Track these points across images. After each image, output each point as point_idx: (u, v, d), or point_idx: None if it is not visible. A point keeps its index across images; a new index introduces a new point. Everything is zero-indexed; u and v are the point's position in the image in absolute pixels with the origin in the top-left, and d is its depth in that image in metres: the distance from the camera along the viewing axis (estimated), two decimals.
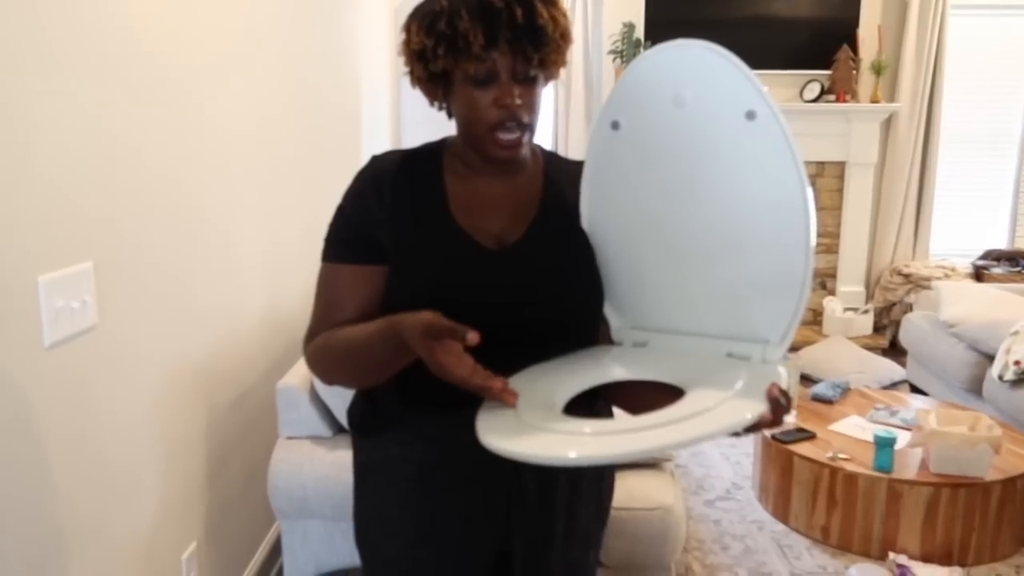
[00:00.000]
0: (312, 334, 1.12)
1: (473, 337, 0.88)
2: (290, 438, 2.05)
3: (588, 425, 0.88)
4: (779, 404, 0.89)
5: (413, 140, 4.75)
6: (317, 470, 1.97)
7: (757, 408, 0.87)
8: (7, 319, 1.19)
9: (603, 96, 4.93)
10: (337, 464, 1.96)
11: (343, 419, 2.00)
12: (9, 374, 1.20)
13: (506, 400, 0.92)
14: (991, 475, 2.50)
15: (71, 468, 1.37)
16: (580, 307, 1.11)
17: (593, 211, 1.11)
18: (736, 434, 0.89)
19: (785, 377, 0.93)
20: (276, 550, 2.35)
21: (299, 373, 2.09)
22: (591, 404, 1.13)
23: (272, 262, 2.39)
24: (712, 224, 1.00)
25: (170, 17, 1.67)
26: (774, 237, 0.95)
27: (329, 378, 1.12)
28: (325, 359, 1.10)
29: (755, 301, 0.99)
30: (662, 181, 1.02)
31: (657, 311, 1.08)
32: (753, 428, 0.89)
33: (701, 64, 0.95)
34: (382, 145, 4.17)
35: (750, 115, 0.92)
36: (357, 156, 3.60)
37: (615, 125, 1.05)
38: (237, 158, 2.08)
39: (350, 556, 2.02)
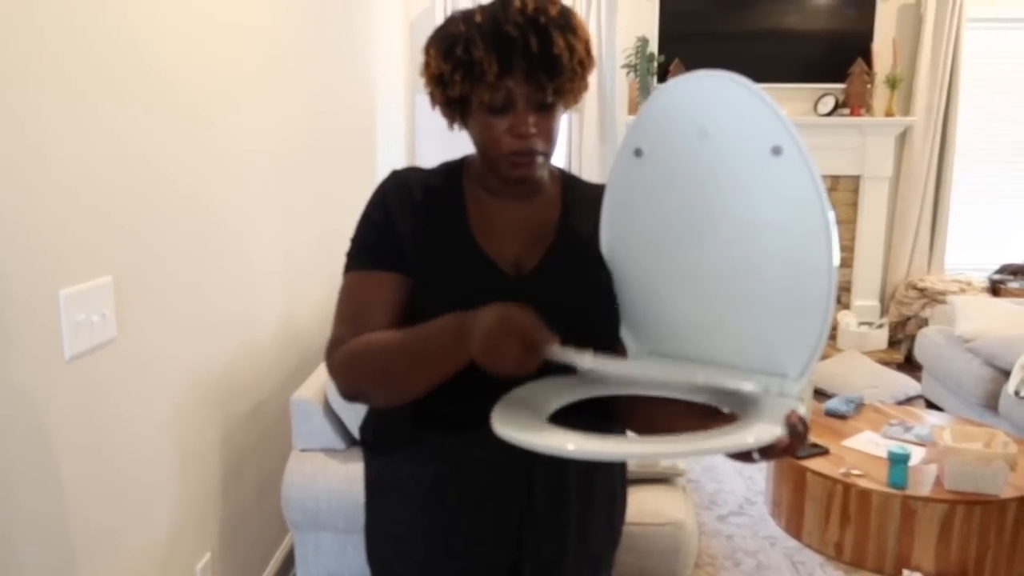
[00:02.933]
0: (339, 342, 1.07)
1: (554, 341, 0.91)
2: (304, 450, 2.07)
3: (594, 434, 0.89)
4: (797, 431, 0.88)
5: (428, 153, 4.78)
6: (330, 482, 1.98)
7: (772, 431, 0.86)
8: (29, 333, 1.21)
9: (617, 110, 4.95)
10: (350, 477, 1.97)
11: (356, 432, 2.01)
12: (31, 386, 1.22)
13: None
14: (1006, 492, 2.48)
15: (89, 479, 1.39)
16: (595, 334, 1.11)
17: (612, 236, 1.12)
18: (751, 459, 0.89)
19: (802, 411, 0.92)
20: (289, 561, 2.36)
21: (314, 386, 2.11)
22: (606, 428, 1.13)
23: (288, 275, 2.41)
24: (732, 256, 0.99)
25: (188, 32, 1.70)
26: (795, 272, 0.94)
27: (361, 382, 1.05)
28: (362, 360, 1.03)
29: (773, 334, 0.98)
30: (683, 210, 1.02)
31: (674, 338, 1.08)
32: (767, 453, 0.88)
33: (727, 96, 0.94)
34: (397, 157, 4.20)
35: (776, 150, 0.91)
36: (372, 168, 3.63)
37: (638, 152, 1.05)
38: (254, 172, 2.11)
39: (362, 568, 2.03)
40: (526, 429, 0.88)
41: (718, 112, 0.95)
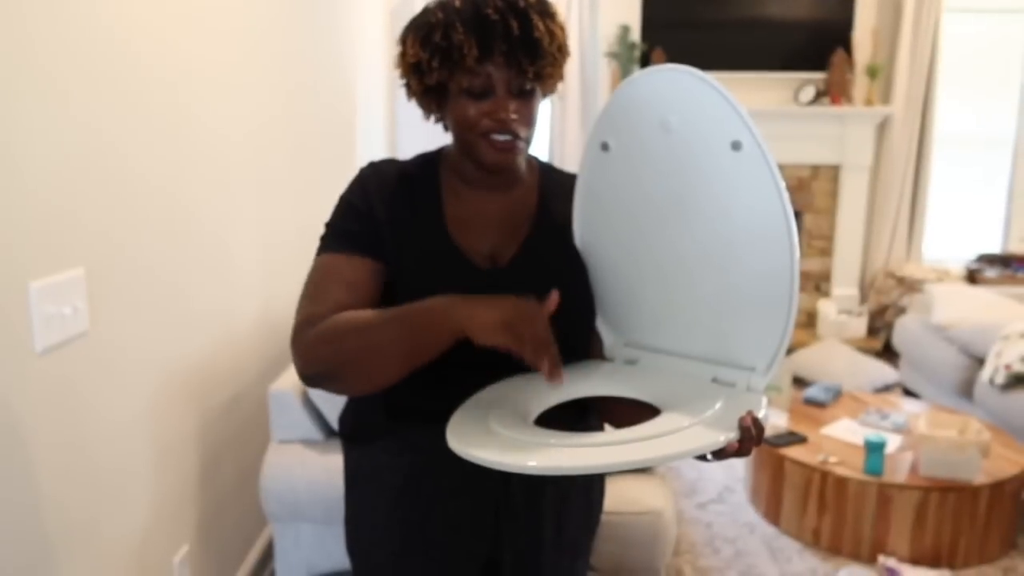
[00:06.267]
0: (310, 320, 1.01)
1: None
2: (282, 442, 2.06)
3: (554, 437, 0.88)
4: (750, 434, 0.87)
5: (409, 144, 4.74)
6: (309, 474, 1.97)
7: (726, 435, 0.86)
8: None
9: (599, 98, 4.94)
10: (328, 468, 1.97)
11: (335, 423, 2.01)
12: (0, 380, 1.21)
13: (555, 379, 0.94)
14: (980, 478, 2.52)
15: (62, 473, 1.37)
16: (570, 326, 1.11)
17: (585, 229, 1.12)
18: (704, 458, 0.88)
19: (765, 407, 0.92)
20: (268, 553, 2.36)
21: (292, 377, 2.10)
22: (583, 420, 1.13)
23: (266, 265, 2.40)
24: (699, 248, 1.00)
25: (163, 21, 1.68)
26: (759, 265, 0.95)
27: (331, 361, 0.99)
28: (339, 336, 0.98)
29: (742, 327, 0.98)
30: (651, 203, 1.03)
31: (648, 330, 1.08)
32: (720, 454, 0.87)
33: (688, 91, 0.94)
34: (377, 148, 4.17)
35: (735, 145, 0.92)
36: (352, 159, 3.61)
37: (605, 146, 1.05)
38: (231, 161, 2.09)
39: (342, 559, 2.03)
40: (481, 442, 0.88)
41: (679, 106, 0.96)
